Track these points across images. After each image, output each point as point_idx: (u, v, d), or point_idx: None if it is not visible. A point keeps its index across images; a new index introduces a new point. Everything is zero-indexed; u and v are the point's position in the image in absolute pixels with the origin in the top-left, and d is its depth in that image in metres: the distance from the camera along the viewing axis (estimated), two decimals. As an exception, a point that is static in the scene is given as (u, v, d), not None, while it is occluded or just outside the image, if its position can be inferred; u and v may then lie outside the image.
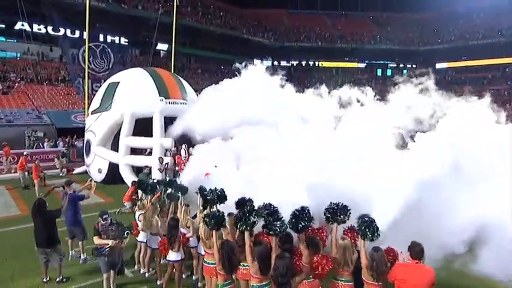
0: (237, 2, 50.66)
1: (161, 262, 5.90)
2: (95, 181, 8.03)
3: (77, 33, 32.70)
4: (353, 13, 55.34)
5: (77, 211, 6.73)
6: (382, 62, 52.07)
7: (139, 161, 12.03)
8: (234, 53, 49.51)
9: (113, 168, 12.46)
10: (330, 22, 53.52)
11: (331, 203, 4.35)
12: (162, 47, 41.63)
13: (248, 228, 4.03)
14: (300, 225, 3.91)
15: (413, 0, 51.01)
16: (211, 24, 44.08)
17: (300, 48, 49.41)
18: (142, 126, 12.57)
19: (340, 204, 4.21)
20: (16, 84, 24.09)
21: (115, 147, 12.76)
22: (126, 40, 40.42)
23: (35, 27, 31.97)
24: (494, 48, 42.34)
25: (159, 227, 5.99)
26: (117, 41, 40.14)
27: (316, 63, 51.91)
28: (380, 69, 52.31)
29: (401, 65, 51.81)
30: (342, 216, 4.22)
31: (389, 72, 51.79)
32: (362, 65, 52.03)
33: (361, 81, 48.54)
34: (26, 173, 12.98)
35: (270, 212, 3.90)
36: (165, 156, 11.68)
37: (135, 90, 12.94)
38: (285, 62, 52.48)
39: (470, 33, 45.16)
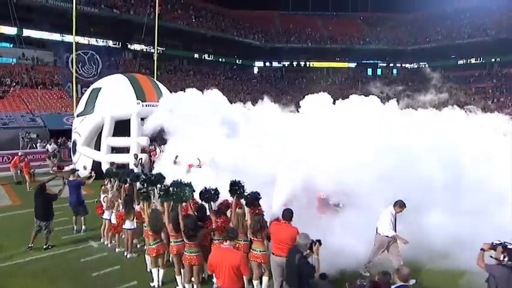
0: (228, 4, 52.17)
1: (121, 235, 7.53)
2: (94, 172, 9.78)
3: (70, 38, 34.47)
4: (344, 14, 56.76)
5: (79, 194, 8.66)
6: (372, 61, 53.58)
7: (119, 158, 13.62)
8: (225, 54, 51.19)
9: (96, 165, 14.04)
10: (321, 23, 55.01)
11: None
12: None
13: (165, 200, 5.59)
14: (204, 198, 5.55)
15: (403, 0, 52.60)
16: (202, 27, 45.62)
17: (290, 49, 50.96)
18: (122, 127, 14.19)
19: (235, 181, 5.77)
20: (11, 89, 25.70)
21: (98, 146, 14.40)
22: (119, 44, 42.16)
23: (30, 32, 33.87)
24: (480, 47, 43.77)
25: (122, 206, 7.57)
26: (110, 45, 42.01)
27: (307, 63, 53.50)
28: (370, 69, 53.83)
29: (391, 65, 53.40)
30: (238, 191, 5.76)
31: (379, 71, 53.40)
32: (352, 65, 53.53)
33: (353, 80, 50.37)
34: (19, 171, 14.62)
35: (177, 186, 5.47)
36: (142, 152, 13.31)
37: (115, 95, 14.56)
38: (277, 62, 54.21)
39: (457, 33, 46.57)
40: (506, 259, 4.22)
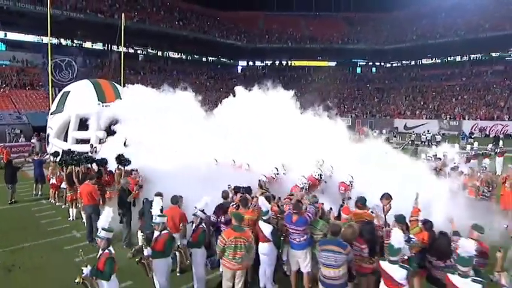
0: (214, 6, 55.90)
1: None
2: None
3: (59, 41, 39.09)
4: (326, 14, 60.27)
5: (41, 169, 12.66)
6: (352, 60, 57.04)
7: (81, 147, 17.54)
8: (209, 55, 55.07)
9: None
10: (303, 23, 58.61)
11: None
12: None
13: (65, 165, 9.53)
14: (98, 163, 9.47)
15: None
16: (185, 29, 49.43)
17: (271, 49, 54.72)
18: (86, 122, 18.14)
19: (120, 154, 9.59)
20: (1, 90, 29.83)
21: (66, 138, 18.38)
22: (105, 46, 46.28)
23: (20, 36, 38.24)
24: (450, 46, 47.13)
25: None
26: (97, 47, 46.24)
27: (289, 62, 57.20)
28: (350, 67, 57.35)
29: (371, 63, 56.90)
30: (122, 161, 9.59)
31: (358, 70, 56.97)
32: (333, 63, 57.12)
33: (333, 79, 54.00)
34: (1, 160, 18.69)
35: (75, 156, 9.39)
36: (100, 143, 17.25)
37: (80, 97, 18.49)
38: (259, 62, 58.04)
39: (431, 33, 49.91)
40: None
